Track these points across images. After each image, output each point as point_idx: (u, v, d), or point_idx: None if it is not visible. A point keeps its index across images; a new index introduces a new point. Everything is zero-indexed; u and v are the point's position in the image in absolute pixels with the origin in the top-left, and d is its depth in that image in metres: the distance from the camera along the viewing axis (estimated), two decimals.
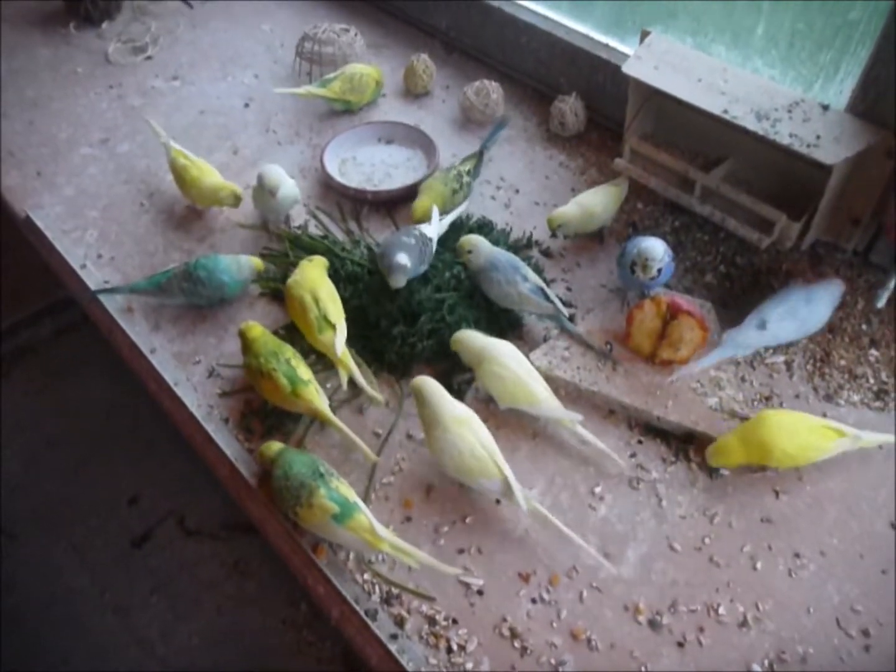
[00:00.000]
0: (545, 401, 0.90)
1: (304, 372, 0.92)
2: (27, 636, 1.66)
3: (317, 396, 0.91)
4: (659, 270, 0.98)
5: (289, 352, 0.94)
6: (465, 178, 1.17)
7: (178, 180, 1.20)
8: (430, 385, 0.88)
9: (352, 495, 0.82)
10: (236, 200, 1.17)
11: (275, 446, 0.87)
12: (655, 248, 0.97)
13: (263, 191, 1.12)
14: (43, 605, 1.70)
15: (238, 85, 1.48)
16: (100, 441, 1.97)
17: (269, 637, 1.65)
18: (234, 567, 1.76)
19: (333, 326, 0.96)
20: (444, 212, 1.13)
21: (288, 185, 1.13)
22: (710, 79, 1.08)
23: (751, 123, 1.01)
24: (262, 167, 1.13)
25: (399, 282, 0.98)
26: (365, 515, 0.80)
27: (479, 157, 1.23)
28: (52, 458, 1.95)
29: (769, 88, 1.05)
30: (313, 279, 1.00)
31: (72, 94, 1.47)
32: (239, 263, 1.07)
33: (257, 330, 0.96)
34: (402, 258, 0.97)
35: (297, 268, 1.03)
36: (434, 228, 1.05)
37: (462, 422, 0.86)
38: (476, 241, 1.04)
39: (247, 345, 0.95)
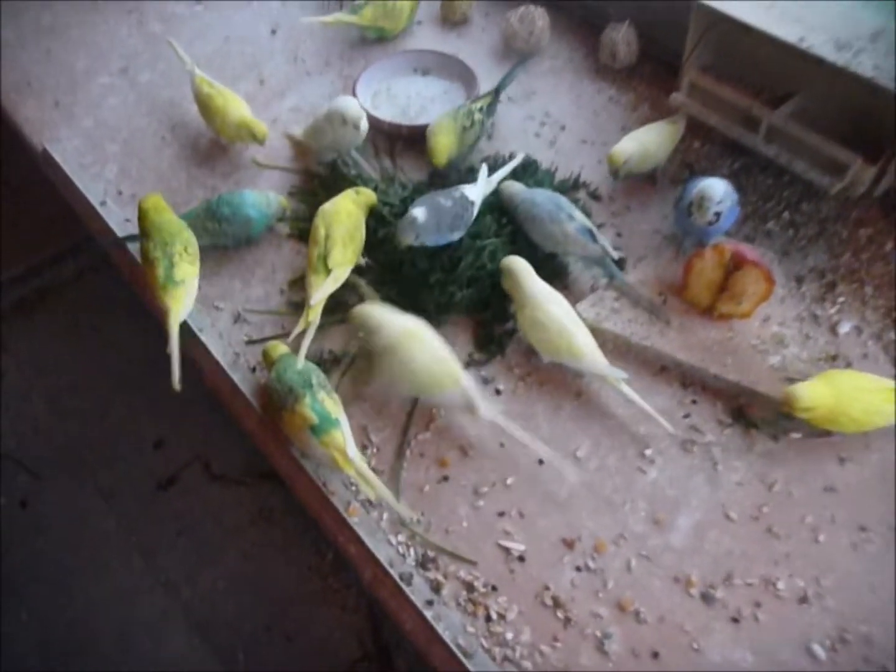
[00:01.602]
0: (589, 355, 0.84)
1: (183, 270, 0.89)
2: (52, 578, 1.66)
3: (179, 298, 0.88)
4: (717, 214, 0.89)
5: (180, 245, 0.91)
6: (477, 116, 1.07)
7: (203, 110, 1.12)
8: (375, 309, 0.84)
9: (336, 411, 0.79)
10: (261, 138, 1.09)
11: (279, 349, 0.86)
12: (714, 188, 0.89)
13: (336, 124, 1.03)
14: (69, 547, 1.70)
15: (264, 10, 1.39)
16: (124, 384, 1.94)
17: (293, 584, 1.64)
18: (259, 514, 1.74)
19: (329, 272, 0.90)
20: (460, 153, 1.05)
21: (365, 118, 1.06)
22: (783, 4, 0.98)
23: (829, 53, 0.92)
24: (337, 100, 1.05)
25: (406, 238, 0.90)
26: (341, 434, 0.78)
27: (494, 95, 1.12)
28: (77, 401, 1.93)
29: (850, 15, 0.94)
30: (339, 213, 0.94)
31: (90, 21, 1.39)
32: (267, 198, 1.01)
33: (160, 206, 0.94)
34: (418, 212, 0.89)
35: (339, 196, 0.96)
36: (479, 189, 0.96)
37: (413, 333, 0.81)
38: (510, 182, 0.98)
39: (140, 217, 0.93)
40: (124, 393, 1.94)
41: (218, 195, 1.01)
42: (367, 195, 0.97)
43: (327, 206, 0.95)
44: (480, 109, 1.08)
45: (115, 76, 1.28)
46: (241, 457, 1.80)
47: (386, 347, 0.82)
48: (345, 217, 0.94)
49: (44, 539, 1.72)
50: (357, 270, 0.95)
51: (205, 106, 1.11)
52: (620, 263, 0.95)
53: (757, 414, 0.84)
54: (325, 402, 0.79)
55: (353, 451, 0.77)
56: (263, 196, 1.01)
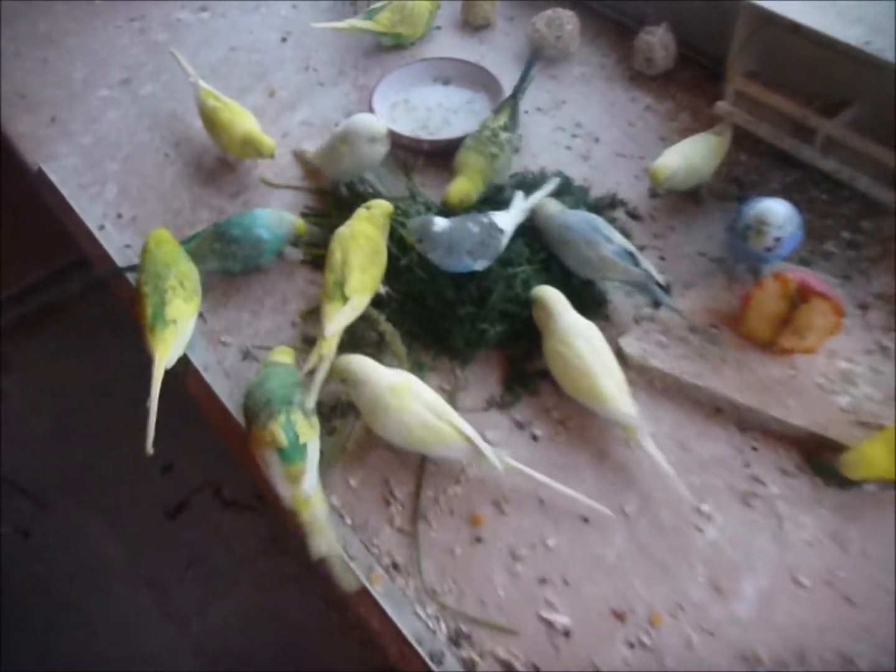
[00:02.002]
0: (611, 401, 0.75)
1: (175, 308, 0.82)
2: (56, 608, 1.59)
3: (167, 342, 0.80)
4: (777, 240, 0.81)
5: (175, 279, 0.83)
6: (504, 135, 0.97)
7: (208, 125, 1.05)
8: (356, 362, 0.76)
9: (308, 436, 0.72)
10: (269, 154, 1.01)
11: (278, 355, 0.81)
12: (774, 211, 0.80)
13: (356, 144, 0.95)
14: (73, 577, 1.64)
15: (274, 16, 1.31)
16: (131, 405, 1.85)
17: (309, 618, 1.56)
18: (272, 542, 1.66)
19: (346, 300, 0.82)
20: (488, 186, 0.95)
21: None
22: (841, 3, 0.89)
23: None
24: (356, 119, 0.97)
25: (412, 235, 0.84)
26: (304, 466, 0.70)
27: (512, 105, 1.02)
28: (82, 423, 1.86)
29: None
30: (357, 237, 0.86)
31: (89, 28, 1.32)
32: (280, 218, 0.93)
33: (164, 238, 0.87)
34: (439, 221, 0.82)
35: (353, 217, 0.88)
36: (512, 217, 0.87)
37: (400, 390, 0.73)
38: (544, 202, 0.89)
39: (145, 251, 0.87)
40: (131, 414, 1.83)
41: (227, 216, 0.94)
42: (381, 207, 0.89)
43: (343, 230, 0.87)
44: (504, 127, 0.98)
45: (116, 88, 1.21)
46: (253, 481, 1.73)
47: (372, 403, 0.74)
48: (363, 241, 0.86)
49: (46, 568, 1.66)
50: (377, 303, 0.86)
51: (210, 120, 1.03)
52: (666, 289, 0.86)
53: (826, 462, 0.75)
54: (298, 424, 0.72)
55: (310, 485, 0.70)
56: (276, 215, 0.93)
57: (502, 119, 1.00)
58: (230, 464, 1.72)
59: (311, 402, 0.75)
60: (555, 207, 0.89)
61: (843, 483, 0.73)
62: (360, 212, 0.89)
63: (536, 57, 1.09)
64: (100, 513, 1.72)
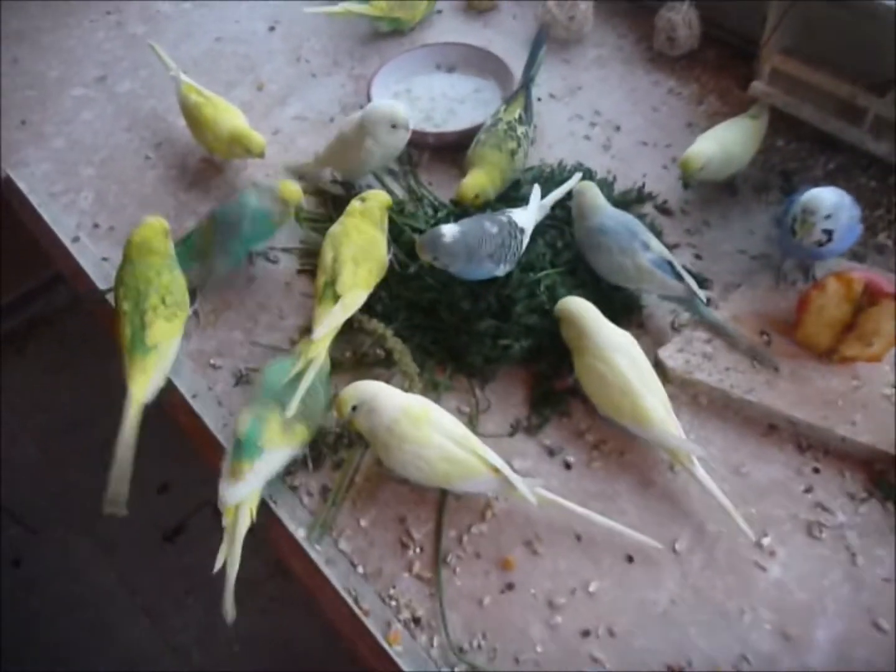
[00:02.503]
0: (658, 423, 0.66)
1: (157, 332, 0.73)
2: (49, 643, 1.50)
3: (147, 372, 0.72)
4: (827, 233, 0.71)
5: (156, 296, 0.74)
6: (520, 129, 0.88)
7: (191, 123, 0.96)
8: (368, 389, 0.66)
9: (270, 443, 0.65)
10: (258, 152, 0.91)
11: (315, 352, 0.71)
12: (819, 199, 0.71)
13: (374, 131, 0.85)
14: (67, 608, 1.55)
15: (261, 5, 1.22)
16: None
17: (317, 645, 1.47)
18: (277, 564, 1.56)
19: (337, 299, 0.73)
20: (505, 184, 0.87)
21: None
22: None
23: None
24: (377, 106, 0.87)
25: (424, 254, 0.74)
26: (250, 467, 0.64)
27: (525, 94, 0.93)
28: (73, 442, 1.77)
29: None
30: (349, 233, 0.77)
31: (63, 25, 1.23)
32: (272, 190, 0.82)
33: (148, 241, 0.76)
34: (447, 230, 0.72)
35: (344, 214, 0.80)
36: (531, 215, 0.78)
37: (416, 418, 0.64)
38: (586, 189, 0.79)
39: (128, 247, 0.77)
40: None
41: (219, 207, 0.85)
42: (377, 199, 0.80)
43: (334, 228, 0.79)
44: (519, 119, 0.89)
45: (91, 86, 1.12)
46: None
47: (386, 436, 0.64)
48: (354, 235, 0.77)
49: (39, 599, 1.57)
50: (384, 316, 0.77)
51: (193, 117, 0.94)
52: (704, 287, 0.77)
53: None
54: (267, 424, 0.66)
55: (244, 493, 0.65)
56: (255, 192, 0.83)
57: (516, 110, 0.90)
58: None
59: (290, 410, 0.66)
60: (597, 199, 0.79)
61: None
62: (354, 205, 0.80)
63: (543, 36, 0.99)
64: (94, 538, 1.63)
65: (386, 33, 1.14)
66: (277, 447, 0.66)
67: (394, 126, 0.85)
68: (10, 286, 1.99)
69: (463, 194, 0.83)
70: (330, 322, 0.73)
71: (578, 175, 0.86)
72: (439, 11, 1.17)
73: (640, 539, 0.64)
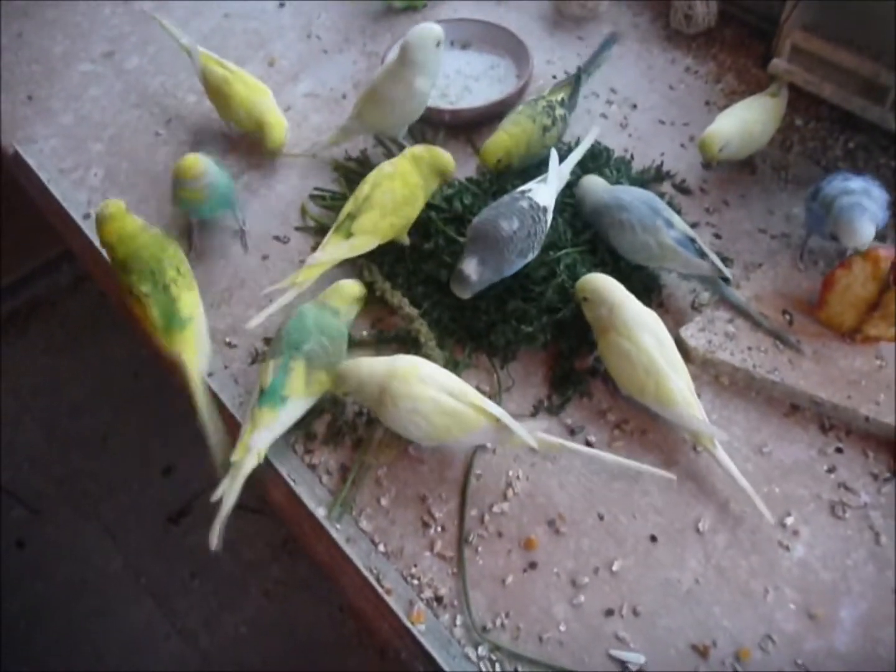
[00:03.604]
0: (682, 403, 0.66)
1: (187, 303, 0.72)
2: (55, 628, 1.50)
3: (192, 343, 0.70)
4: None
5: (171, 269, 0.73)
6: (559, 111, 0.87)
7: (218, 98, 0.93)
8: (349, 367, 0.66)
9: (294, 392, 0.67)
10: (278, 144, 0.91)
11: (334, 297, 0.73)
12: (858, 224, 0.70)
13: (423, 50, 0.82)
14: (72, 592, 1.54)
15: None
16: (128, 405, 1.76)
17: (323, 626, 1.47)
18: (283, 546, 1.57)
19: (349, 236, 0.73)
20: (530, 157, 0.85)
21: None
22: None
23: None
24: (410, 31, 0.83)
25: (463, 294, 0.72)
26: (274, 415, 0.66)
27: (575, 82, 0.91)
28: (77, 426, 1.76)
29: None
30: (394, 178, 0.77)
31: None
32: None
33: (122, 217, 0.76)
34: (470, 269, 0.70)
35: (400, 157, 0.79)
36: (551, 188, 0.77)
37: (403, 376, 0.63)
38: (584, 181, 0.79)
39: (110, 245, 0.76)
40: (129, 414, 1.76)
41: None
42: (439, 158, 0.78)
43: (385, 167, 0.78)
44: (561, 102, 0.88)
45: (99, 62, 1.09)
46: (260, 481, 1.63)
47: (378, 399, 0.64)
48: (399, 182, 0.77)
49: (44, 582, 1.56)
50: (413, 301, 0.76)
51: (221, 93, 0.92)
52: (729, 280, 0.76)
53: None
54: (293, 374, 0.67)
55: (263, 441, 0.66)
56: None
57: (561, 94, 0.90)
58: None
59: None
60: (602, 183, 0.79)
61: None
62: (415, 151, 0.79)
63: (614, 40, 0.98)
64: (98, 520, 1.62)
65: (398, 10, 1.12)
66: (301, 396, 0.67)
67: (437, 43, 0.82)
68: (12, 267, 1.97)
69: (485, 157, 0.83)
70: (332, 253, 0.73)
71: (596, 129, 0.85)
72: None
73: (654, 472, 0.65)
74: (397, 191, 0.76)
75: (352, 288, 0.74)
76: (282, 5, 1.16)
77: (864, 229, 0.68)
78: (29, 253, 1.99)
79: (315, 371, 0.68)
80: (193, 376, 0.69)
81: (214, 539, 0.65)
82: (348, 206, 0.76)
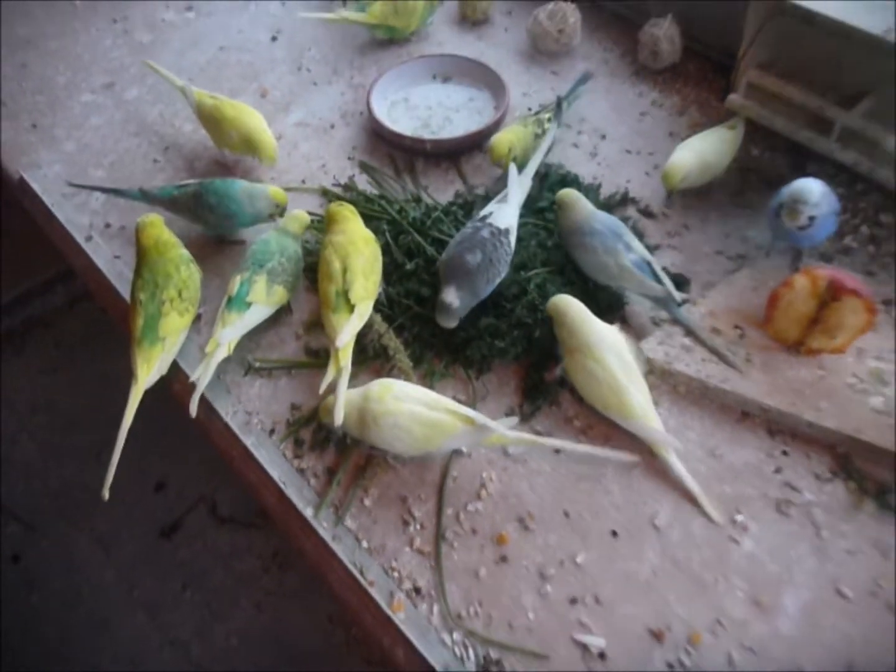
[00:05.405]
0: (641, 417, 0.72)
1: (169, 324, 0.79)
2: (49, 637, 1.53)
3: (152, 361, 0.78)
4: (811, 219, 0.79)
5: (174, 289, 0.80)
6: (547, 124, 0.98)
7: (211, 125, 1.00)
8: (330, 401, 0.73)
9: (256, 298, 0.80)
10: (269, 156, 0.97)
11: (291, 222, 0.88)
12: (808, 188, 0.79)
13: None
14: (67, 604, 1.57)
15: (263, 14, 1.28)
16: (121, 421, 1.81)
17: (313, 636, 1.51)
18: (273, 559, 1.61)
19: (352, 309, 0.78)
20: (524, 159, 0.93)
21: None
22: None
23: None
24: None
25: (448, 324, 0.79)
26: (239, 316, 0.79)
27: (556, 108, 1.00)
28: (71, 442, 1.80)
29: None
30: (356, 242, 0.82)
31: (70, 31, 1.27)
32: (251, 194, 0.89)
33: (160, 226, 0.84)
34: (451, 298, 0.77)
35: (344, 226, 0.84)
36: (512, 205, 0.85)
37: (378, 397, 0.70)
38: (572, 196, 0.84)
39: (145, 249, 0.83)
40: None
41: (212, 180, 0.91)
42: (349, 210, 0.86)
43: (339, 238, 0.83)
44: (549, 119, 0.99)
45: (99, 93, 1.16)
46: (249, 496, 1.67)
47: (360, 423, 0.71)
48: (362, 245, 0.82)
49: (38, 595, 1.60)
50: (386, 317, 0.82)
51: (213, 119, 0.99)
52: (681, 303, 0.82)
53: (860, 468, 0.72)
54: (255, 285, 0.80)
55: (228, 336, 0.79)
56: (249, 189, 0.90)
57: (548, 114, 1.00)
58: (226, 479, 1.68)
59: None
60: (584, 208, 0.85)
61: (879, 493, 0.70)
62: (343, 210, 0.85)
63: (588, 77, 1.08)
64: (92, 534, 1.66)
65: (384, 44, 1.19)
66: (262, 304, 0.81)
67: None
68: (8, 287, 2.02)
69: (497, 149, 0.93)
70: (350, 330, 0.77)
71: (544, 146, 0.94)
72: (431, 23, 1.23)
73: (613, 455, 0.72)
74: (364, 252, 0.82)
75: (304, 216, 0.88)
76: (274, 39, 1.23)
77: (807, 183, 0.77)
78: (24, 274, 2.04)
79: (275, 285, 0.81)
80: (137, 388, 0.77)
81: (194, 409, 0.76)
82: (333, 286, 0.80)
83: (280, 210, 0.90)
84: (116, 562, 1.62)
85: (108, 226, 0.98)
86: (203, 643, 1.51)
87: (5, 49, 1.23)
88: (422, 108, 1.07)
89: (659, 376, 0.79)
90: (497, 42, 1.19)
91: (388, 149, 1.03)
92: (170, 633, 1.53)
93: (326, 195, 0.98)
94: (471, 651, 0.64)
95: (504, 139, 0.94)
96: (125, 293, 0.88)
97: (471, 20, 1.22)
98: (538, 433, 0.76)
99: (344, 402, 0.71)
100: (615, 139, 1.04)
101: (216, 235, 0.94)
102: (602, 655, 0.63)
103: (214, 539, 1.65)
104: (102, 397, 1.86)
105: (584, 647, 0.64)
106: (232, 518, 1.68)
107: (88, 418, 1.84)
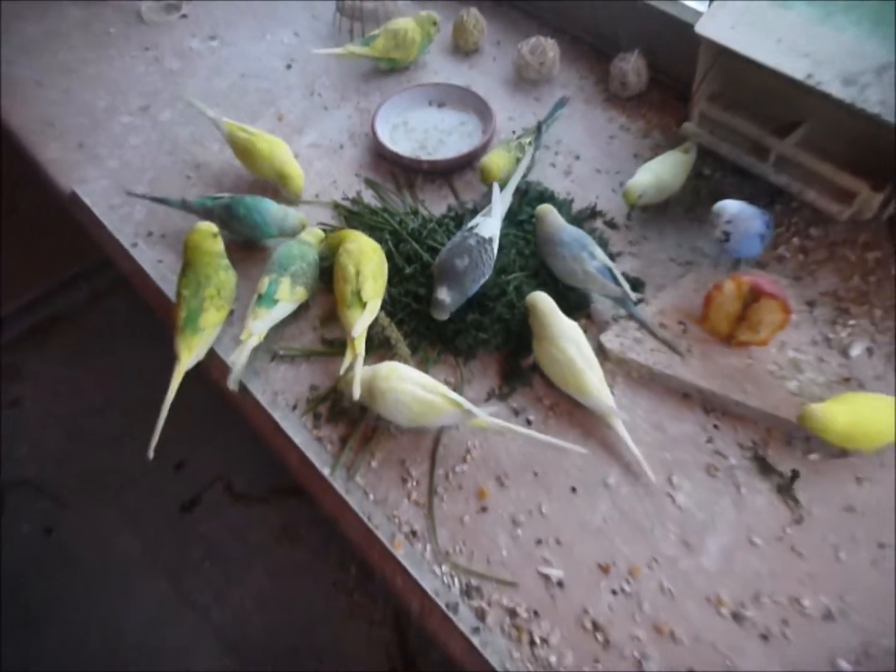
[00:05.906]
0: (595, 394, 0.87)
1: (208, 318, 0.94)
2: (84, 607, 1.68)
3: (192, 348, 0.92)
4: (726, 234, 0.95)
5: (214, 288, 0.95)
6: (528, 148, 1.12)
7: (243, 155, 1.14)
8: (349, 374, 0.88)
9: (282, 297, 0.95)
10: (294, 193, 1.14)
11: (307, 235, 1.04)
12: (721, 208, 0.95)
13: None
14: (95, 575, 1.72)
15: (278, 44, 1.42)
16: (142, 407, 1.95)
17: (319, 601, 1.67)
18: (283, 531, 1.77)
19: (364, 305, 0.93)
20: (507, 178, 1.09)
21: None
22: (791, 38, 1.01)
23: (837, 90, 0.95)
24: None
25: (441, 316, 0.94)
26: (266, 314, 0.94)
27: (536, 131, 1.16)
28: (96, 427, 1.95)
29: (857, 49, 0.97)
30: (366, 251, 0.98)
31: (106, 58, 1.42)
32: (286, 213, 1.06)
33: (207, 234, 0.97)
34: (443, 295, 0.92)
35: (355, 238, 1.00)
36: (495, 218, 1.00)
37: (386, 376, 0.86)
38: (547, 211, 1.00)
39: (190, 248, 0.97)
40: (142, 416, 1.94)
41: (244, 196, 1.06)
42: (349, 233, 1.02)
43: (352, 246, 0.98)
44: (529, 143, 1.13)
45: (136, 115, 1.31)
46: (262, 474, 1.84)
47: (369, 394, 0.87)
48: (371, 252, 0.98)
49: (71, 570, 1.74)
50: (389, 313, 0.98)
51: (247, 151, 1.13)
52: (636, 302, 0.98)
53: (776, 439, 0.88)
54: (281, 285, 0.96)
55: (258, 328, 0.94)
56: (282, 211, 1.06)
57: (528, 139, 1.15)
58: (240, 460, 1.84)
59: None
60: (557, 220, 1.00)
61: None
62: (362, 235, 1.01)
63: (565, 101, 1.24)
64: (118, 510, 1.81)
65: (385, 72, 1.35)
66: (286, 301, 0.96)
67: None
68: (33, 285, 2.16)
69: (488, 170, 1.08)
70: (363, 323, 0.92)
71: (521, 168, 1.09)
72: (428, 52, 1.38)
73: (563, 445, 0.85)
74: (373, 259, 0.97)
75: (319, 232, 1.05)
76: (289, 67, 1.38)
77: (723, 204, 0.94)
78: (49, 272, 2.18)
79: (297, 285, 0.96)
80: (179, 369, 0.92)
81: (231, 384, 0.92)
82: (348, 287, 0.94)
83: (301, 228, 1.06)
84: (141, 534, 1.78)
85: (150, 234, 1.13)
86: (220, 606, 1.67)
87: (51, 75, 1.36)
88: (419, 130, 1.23)
89: (615, 363, 0.95)
90: (486, 70, 1.34)
91: (390, 167, 1.19)
92: (190, 598, 1.68)
93: (337, 208, 1.13)
94: (455, 580, 0.80)
95: (493, 164, 1.08)
96: (167, 291, 1.04)
97: (463, 50, 1.37)
98: (514, 409, 0.92)
99: (359, 380, 0.87)
100: (587, 159, 1.19)
101: (243, 241, 1.08)
102: (560, 584, 0.79)
103: (230, 514, 1.81)
104: (122, 387, 2.02)
105: (547, 577, 0.79)
106: (246, 495, 1.84)
107: (110, 405, 1.99)
